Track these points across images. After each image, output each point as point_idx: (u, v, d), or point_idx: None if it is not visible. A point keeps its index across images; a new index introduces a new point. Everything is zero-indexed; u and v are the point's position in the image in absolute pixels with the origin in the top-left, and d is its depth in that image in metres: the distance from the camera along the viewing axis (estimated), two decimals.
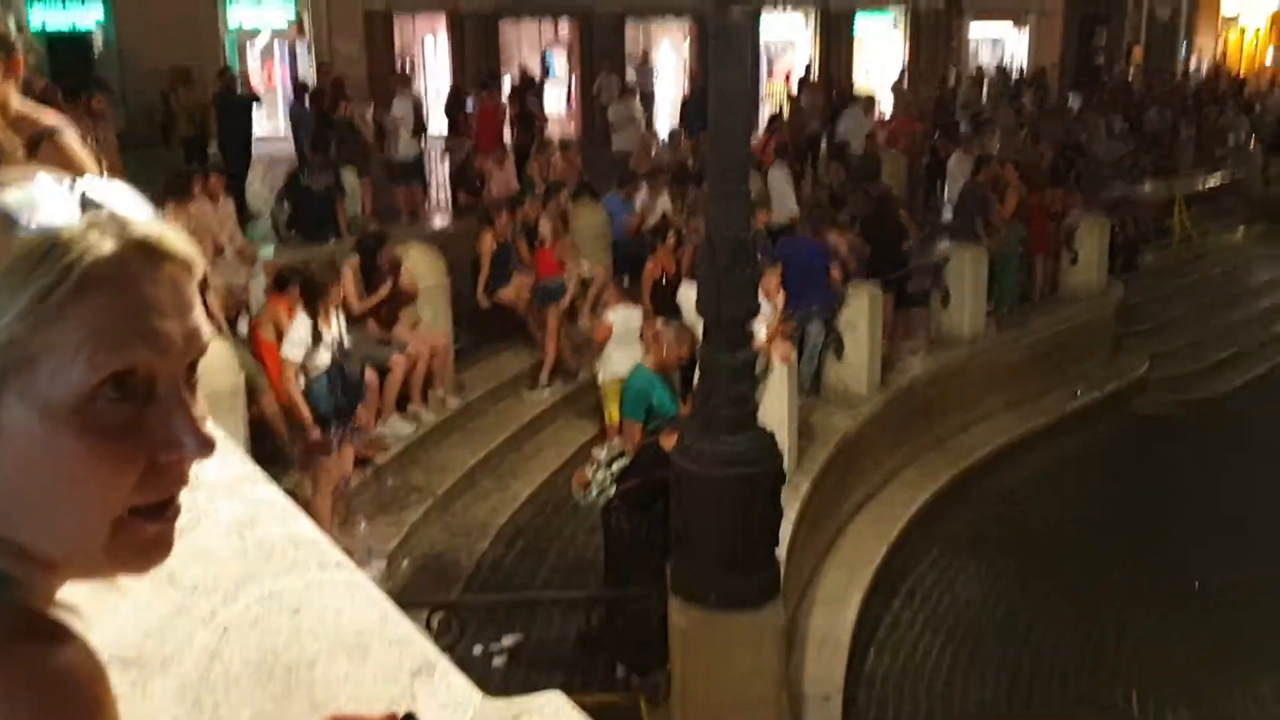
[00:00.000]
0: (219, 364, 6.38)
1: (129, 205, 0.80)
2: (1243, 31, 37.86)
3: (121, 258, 0.77)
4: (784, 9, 23.93)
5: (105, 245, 0.76)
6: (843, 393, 10.22)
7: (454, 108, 16.29)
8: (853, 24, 24.66)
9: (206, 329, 0.82)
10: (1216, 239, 18.25)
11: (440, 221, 14.22)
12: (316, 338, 6.96)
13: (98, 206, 0.78)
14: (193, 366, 0.82)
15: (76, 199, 0.78)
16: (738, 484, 5.54)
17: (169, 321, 0.78)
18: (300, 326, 6.92)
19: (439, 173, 16.22)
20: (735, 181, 5.57)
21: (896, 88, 21.41)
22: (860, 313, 10.21)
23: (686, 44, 23.65)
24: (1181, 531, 10.19)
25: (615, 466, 6.49)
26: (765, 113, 22.98)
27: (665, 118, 21.10)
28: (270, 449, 7.49)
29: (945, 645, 8.23)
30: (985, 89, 22.63)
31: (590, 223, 11.45)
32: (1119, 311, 14.12)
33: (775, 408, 8.31)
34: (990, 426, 11.73)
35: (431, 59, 22.71)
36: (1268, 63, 37.31)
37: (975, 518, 10.32)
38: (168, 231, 0.81)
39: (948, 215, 14.56)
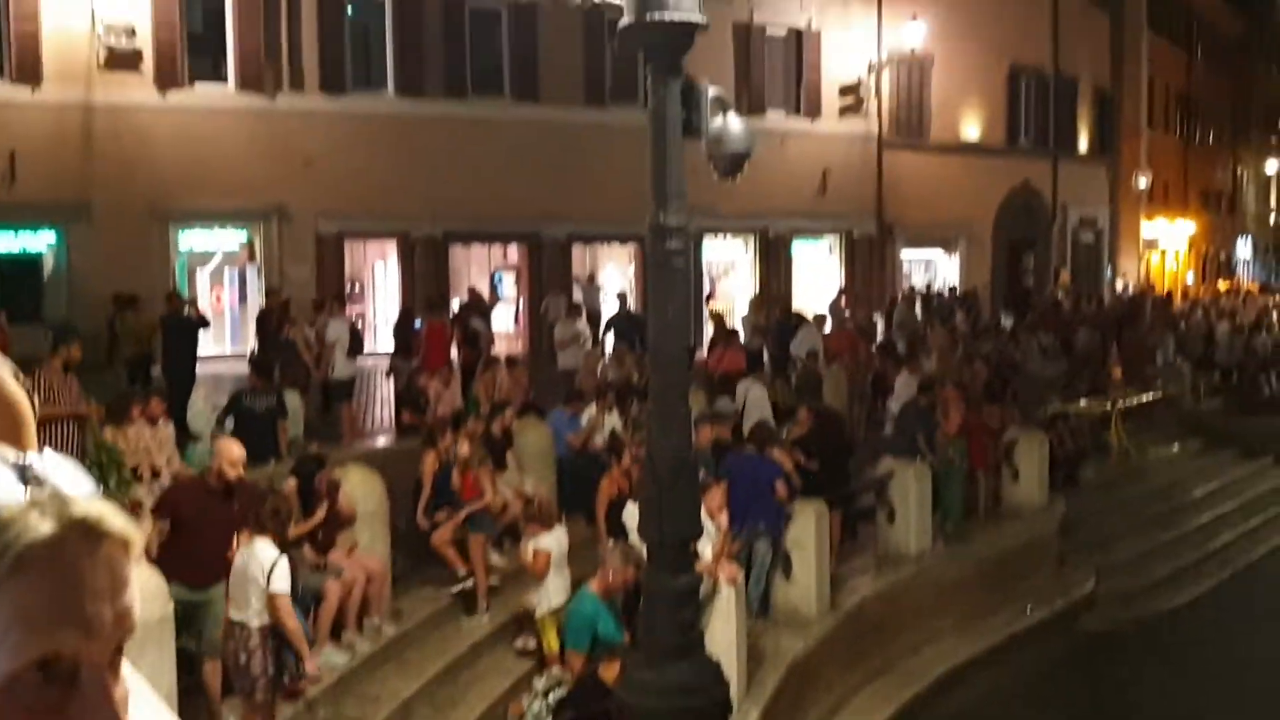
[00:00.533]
0: (149, 591, 6.15)
1: (71, 481, 0.80)
2: (1163, 254, 39.79)
3: (59, 538, 0.76)
4: (725, 236, 24.81)
5: (44, 526, 0.76)
6: (792, 614, 10.05)
7: (403, 329, 16.48)
8: (790, 248, 25.61)
9: (137, 608, 0.81)
10: (1153, 453, 18.57)
11: (383, 441, 14.15)
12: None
13: (40, 483, 0.78)
14: (119, 648, 0.80)
15: (18, 474, 0.78)
16: (681, 716, 5.35)
17: (101, 605, 0.77)
18: (281, 560, 6.77)
19: (384, 392, 16.27)
20: (675, 402, 5.61)
21: (835, 308, 22.06)
22: (807, 531, 10.14)
23: (632, 267, 24.34)
24: None
25: (552, 697, 6.25)
26: (708, 331, 23.54)
27: (611, 337, 21.47)
28: (197, 678, 7.18)
29: None
30: (920, 309, 23.38)
31: (535, 440, 11.44)
32: (1062, 526, 14.20)
33: (723, 632, 8.14)
34: (941, 647, 11.53)
35: (381, 282, 23.14)
36: (1189, 282, 39.13)
37: None
38: (107, 511, 0.80)
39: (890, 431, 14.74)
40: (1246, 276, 46.01)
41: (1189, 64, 41.71)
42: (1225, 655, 12.57)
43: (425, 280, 20.77)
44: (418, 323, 16.74)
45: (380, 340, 20.22)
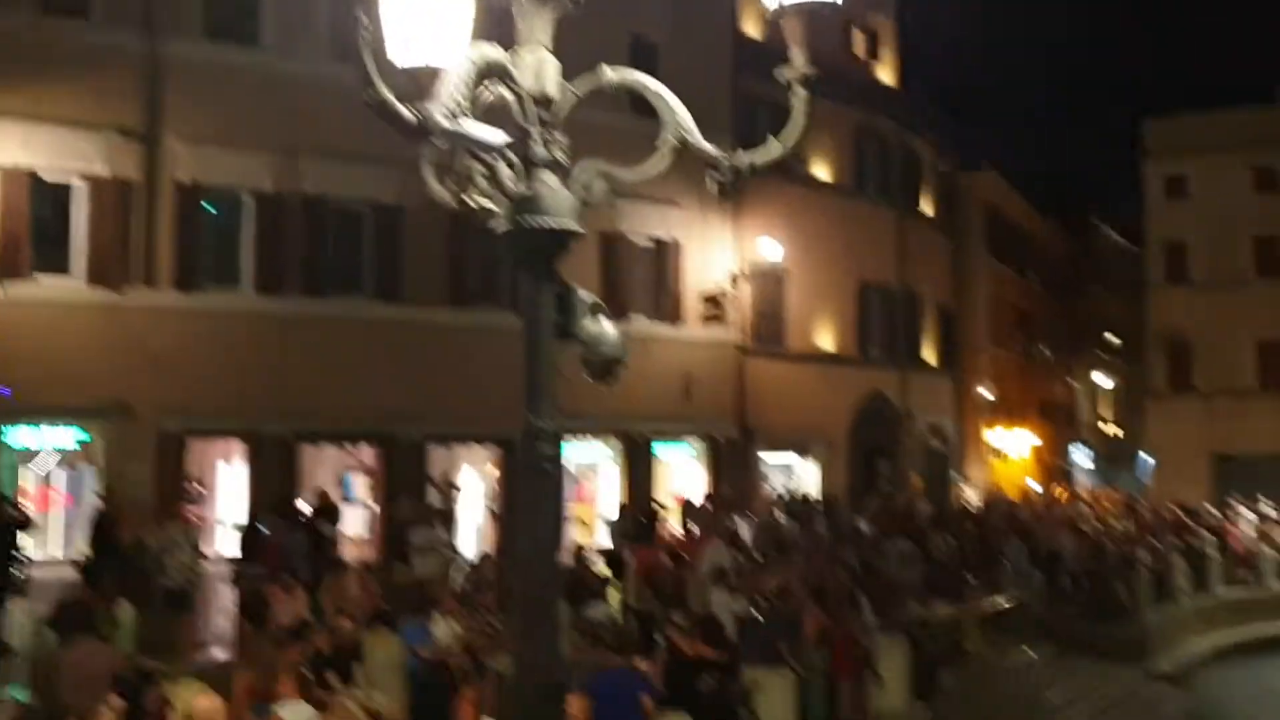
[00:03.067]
0: None
1: None
2: (1007, 461, 41.27)
3: None
4: (587, 438, 24.75)
5: None
6: None
7: (248, 535, 15.72)
8: (653, 450, 25.66)
9: None
10: (1009, 659, 18.68)
11: (221, 654, 13.24)
12: None
13: None
14: None
15: None
16: None
17: None
18: None
19: (226, 602, 15.37)
20: (544, 615, 5.29)
21: (701, 512, 22.04)
22: None
23: (491, 469, 23.96)
24: None
25: None
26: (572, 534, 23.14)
27: (470, 542, 20.91)
28: None
29: None
30: (783, 514, 23.52)
31: (385, 653, 10.84)
32: None
33: None
34: None
35: (226, 483, 22.20)
36: (1032, 487, 40.49)
37: None
38: None
39: None
40: (1084, 483, 47.92)
41: (1025, 285, 44.43)
42: None
43: (272, 482, 19.95)
44: (263, 528, 16.02)
45: (222, 545, 19.25)
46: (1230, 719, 19.13)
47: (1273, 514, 31.35)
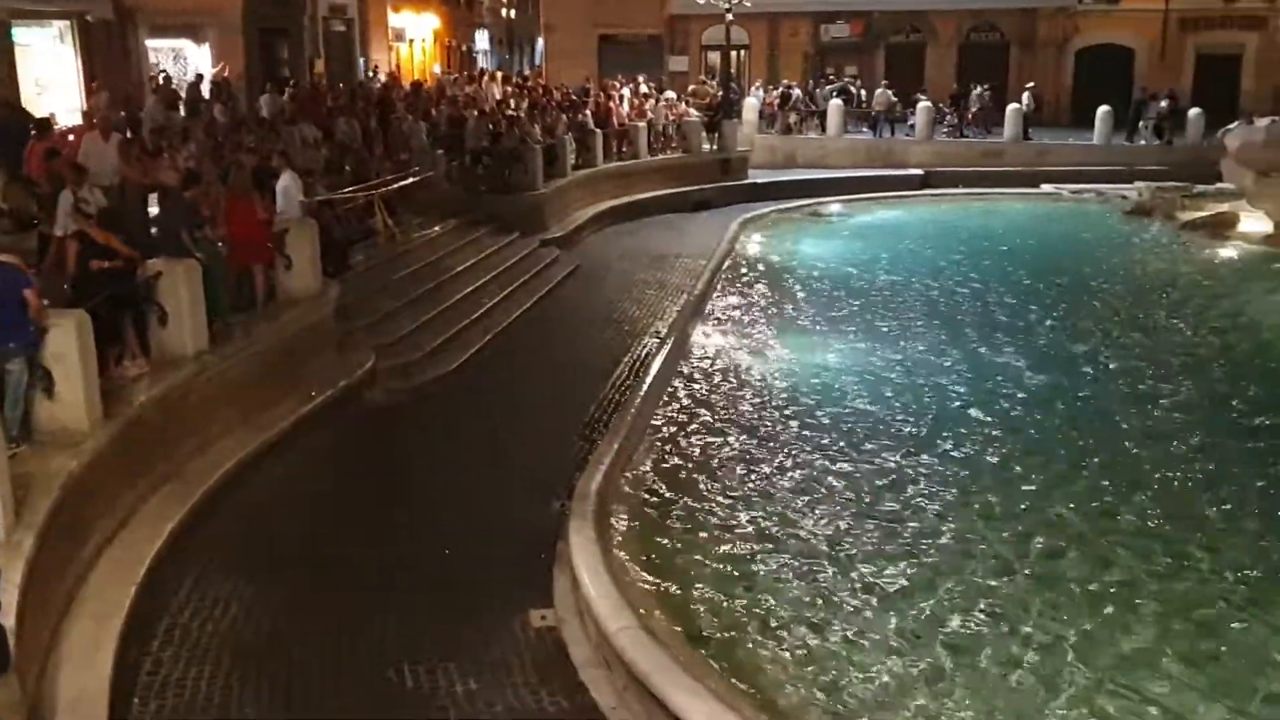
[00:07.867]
0: None
1: None
2: (411, 45, 41.24)
3: None
4: None
5: None
6: (60, 433, 9.23)
7: None
8: (11, 35, 22.37)
9: None
10: (417, 235, 19.58)
11: None
12: None
13: None
14: None
15: None
16: None
17: None
18: None
19: None
20: None
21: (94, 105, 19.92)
22: (68, 343, 9.28)
23: None
24: (423, 508, 10.81)
25: None
26: None
27: None
28: None
29: (214, 675, 7.81)
30: (173, 103, 21.85)
31: None
32: (338, 311, 14.60)
33: None
34: (229, 443, 11.43)
35: None
36: (436, 71, 41.04)
37: (226, 539, 9.96)
38: None
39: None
40: (485, 65, 49.32)
41: None
42: (491, 405, 14.03)
43: None
44: None
45: None
46: (601, 269, 21.74)
47: (647, 89, 34.45)
